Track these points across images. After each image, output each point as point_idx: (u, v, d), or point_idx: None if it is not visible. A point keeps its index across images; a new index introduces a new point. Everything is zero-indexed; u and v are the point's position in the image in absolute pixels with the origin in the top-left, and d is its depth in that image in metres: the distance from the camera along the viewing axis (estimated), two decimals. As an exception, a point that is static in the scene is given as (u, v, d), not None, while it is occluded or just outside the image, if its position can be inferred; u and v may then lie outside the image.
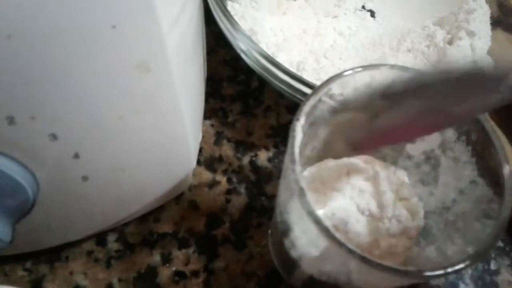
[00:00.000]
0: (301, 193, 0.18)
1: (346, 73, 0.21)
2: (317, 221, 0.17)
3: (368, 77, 0.20)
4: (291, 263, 0.26)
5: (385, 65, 0.20)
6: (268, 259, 0.30)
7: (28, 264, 0.28)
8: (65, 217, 0.24)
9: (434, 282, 0.30)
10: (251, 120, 0.35)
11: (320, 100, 0.21)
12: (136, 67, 0.19)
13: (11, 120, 0.18)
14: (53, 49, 0.16)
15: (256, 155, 0.33)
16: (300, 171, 0.18)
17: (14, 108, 0.17)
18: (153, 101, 0.21)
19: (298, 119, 0.19)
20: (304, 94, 0.29)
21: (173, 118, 0.23)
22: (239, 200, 0.32)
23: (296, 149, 0.19)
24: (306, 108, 0.20)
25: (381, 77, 0.20)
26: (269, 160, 0.33)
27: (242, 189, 0.32)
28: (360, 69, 0.20)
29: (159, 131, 0.23)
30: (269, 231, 0.30)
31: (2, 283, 0.28)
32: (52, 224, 0.25)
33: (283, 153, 0.34)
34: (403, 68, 0.20)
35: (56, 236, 0.27)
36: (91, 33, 0.17)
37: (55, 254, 0.28)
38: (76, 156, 0.20)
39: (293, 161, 0.18)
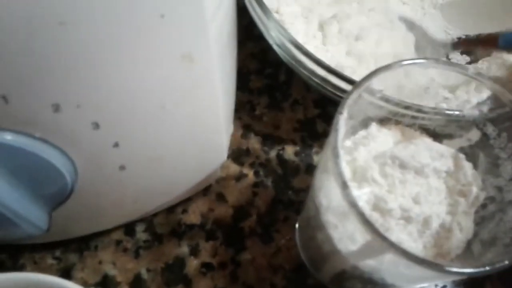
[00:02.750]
0: (345, 187, 0.18)
1: (389, 67, 0.20)
2: (360, 214, 0.17)
3: (412, 72, 0.20)
4: (321, 258, 0.26)
5: (429, 60, 0.20)
6: (294, 253, 0.30)
7: (58, 253, 0.28)
8: (98, 206, 0.24)
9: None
10: (278, 114, 0.35)
11: (360, 96, 0.20)
12: (180, 57, 0.19)
13: (56, 108, 0.18)
14: (103, 38, 0.16)
15: (283, 149, 0.33)
16: (343, 165, 0.18)
17: (61, 96, 0.17)
18: (194, 91, 0.21)
19: (341, 113, 0.19)
20: (336, 87, 0.29)
21: (210, 109, 0.23)
22: (266, 193, 0.32)
23: (339, 143, 0.19)
24: (349, 101, 0.19)
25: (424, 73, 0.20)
26: (296, 154, 0.33)
27: (269, 182, 0.32)
28: (405, 63, 0.20)
29: (197, 121, 0.23)
30: (297, 225, 0.30)
31: (32, 271, 0.28)
32: (85, 213, 0.25)
33: (310, 147, 0.34)
34: (448, 63, 0.20)
35: (87, 225, 0.27)
36: (140, 22, 0.17)
37: (84, 243, 0.29)
38: (116, 145, 0.20)
39: (336, 155, 0.18)
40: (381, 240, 0.17)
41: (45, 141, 0.19)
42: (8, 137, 0.18)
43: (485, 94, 0.22)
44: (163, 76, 0.19)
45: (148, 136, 0.21)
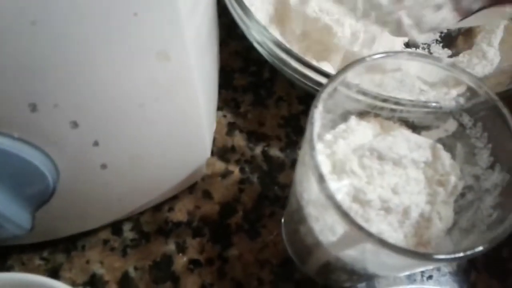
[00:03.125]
0: (321, 179, 0.18)
1: (363, 60, 0.21)
2: (337, 206, 0.17)
3: (387, 65, 0.20)
4: (306, 251, 0.26)
5: (402, 52, 0.20)
6: (281, 248, 0.30)
7: (45, 253, 0.29)
8: (83, 205, 0.25)
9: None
10: (263, 111, 0.35)
11: (335, 89, 0.21)
12: (156, 55, 0.19)
13: (33, 107, 0.18)
14: (76, 36, 0.16)
15: (268, 145, 0.33)
16: (319, 157, 0.18)
17: (37, 96, 0.18)
18: (172, 89, 0.21)
19: (316, 106, 0.19)
20: (318, 84, 0.29)
21: (190, 106, 0.23)
22: (252, 189, 0.32)
23: (315, 136, 0.19)
24: (324, 95, 0.20)
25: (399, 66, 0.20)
26: (281, 150, 0.33)
27: (254, 178, 0.32)
28: (378, 56, 0.20)
29: (177, 119, 0.23)
30: (283, 220, 0.30)
31: (20, 272, 0.28)
32: (70, 212, 0.25)
33: (295, 143, 0.34)
34: (422, 56, 0.20)
35: (73, 224, 0.27)
36: (113, 20, 0.17)
37: (71, 243, 0.29)
38: (96, 143, 0.21)
39: (312, 148, 0.19)
40: (359, 230, 0.18)
41: (24, 141, 0.19)
42: (-13, 138, 0.18)
43: (464, 86, 0.22)
44: (140, 74, 0.19)
45: (129, 134, 0.21)
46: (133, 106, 0.20)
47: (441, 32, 0.39)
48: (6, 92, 0.17)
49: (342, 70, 0.21)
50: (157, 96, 0.21)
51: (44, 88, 0.17)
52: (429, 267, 0.22)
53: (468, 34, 0.39)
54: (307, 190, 0.21)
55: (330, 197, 0.18)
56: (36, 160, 0.20)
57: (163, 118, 0.22)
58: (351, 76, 0.21)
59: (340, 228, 0.20)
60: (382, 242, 0.17)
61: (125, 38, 0.18)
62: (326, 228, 0.21)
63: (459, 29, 0.39)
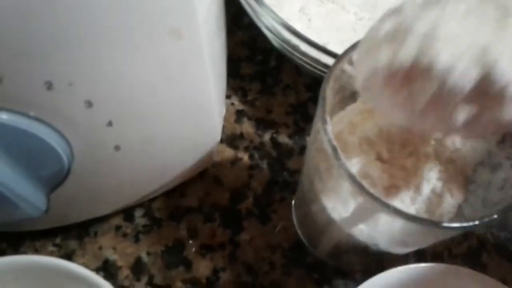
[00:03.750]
0: (335, 151, 0.18)
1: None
2: (352, 177, 0.18)
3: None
4: (318, 232, 0.26)
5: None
6: (292, 232, 0.30)
7: (58, 240, 0.29)
8: (96, 189, 0.25)
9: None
10: (270, 99, 0.35)
11: (343, 71, 0.21)
12: (168, 32, 0.19)
13: (49, 86, 0.18)
14: (91, 14, 0.17)
15: (276, 132, 0.34)
16: (331, 132, 0.18)
17: (53, 73, 0.18)
18: (184, 68, 0.21)
19: (327, 82, 0.20)
20: (327, 66, 0.30)
21: (201, 88, 0.23)
22: (262, 175, 0.32)
23: (327, 111, 0.19)
24: (335, 71, 0.20)
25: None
26: (290, 136, 0.34)
27: (264, 165, 0.32)
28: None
29: (189, 101, 0.23)
30: (293, 203, 0.30)
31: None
32: (83, 196, 0.25)
33: (303, 130, 0.34)
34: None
35: (86, 209, 0.27)
36: (126, -4, 0.17)
37: (84, 230, 0.29)
38: (110, 124, 0.21)
39: (324, 122, 0.19)
40: (373, 201, 0.18)
41: (39, 120, 0.19)
42: (3, 116, 0.18)
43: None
44: (152, 52, 0.19)
45: (141, 115, 0.22)
46: (146, 85, 0.20)
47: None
48: (23, 69, 0.17)
49: (352, 45, 0.21)
50: (169, 76, 0.21)
51: (59, 66, 0.18)
52: (442, 237, 0.22)
53: None
54: (318, 167, 0.21)
55: (345, 169, 0.18)
56: (51, 139, 0.20)
57: (175, 99, 0.22)
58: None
59: (353, 202, 0.20)
60: (396, 211, 0.17)
61: (139, 15, 0.18)
62: (338, 204, 0.21)
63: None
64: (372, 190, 0.18)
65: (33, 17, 0.16)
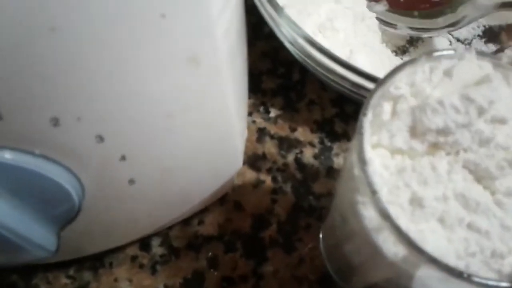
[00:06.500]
0: (375, 197, 0.16)
1: (414, 61, 0.19)
2: (395, 227, 0.15)
3: (443, 65, 0.18)
4: (350, 270, 0.24)
5: (469, 50, 0.18)
6: (319, 263, 0.28)
7: (72, 271, 0.27)
8: (110, 223, 0.23)
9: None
10: (294, 115, 0.33)
11: (387, 91, 0.19)
12: (186, 60, 0.17)
13: (56, 122, 0.16)
14: (99, 43, 0.15)
15: (301, 152, 0.31)
16: (372, 173, 0.16)
17: (59, 109, 0.16)
18: (202, 96, 0.19)
19: (365, 114, 0.17)
20: (354, 84, 0.27)
21: (221, 114, 0.21)
22: (286, 200, 0.30)
23: (366, 147, 0.17)
24: (373, 101, 0.18)
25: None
26: (315, 157, 0.31)
27: (288, 188, 0.30)
28: (432, 56, 0.18)
29: (207, 128, 0.21)
30: (321, 235, 0.28)
31: (46, 290, 0.27)
32: (96, 230, 0.23)
33: (330, 149, 0.32)
34: (491, 56, 0.18)
35: (100, 242, 0.25)
36: (139, 24, 0.15)
37: (98, 261, 0.27)
38: (123, 158, 0.19)
39: (363, 162, 0.16)
40: (419, 254, 0.16)
41: (46, 157, 0.17)
42: (6, 155, 0.17)
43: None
44: (167, 82, 0.17)
45: (157, 147, 0.20)
46: (162, 117, 0.19)
47: (484, 26, 0.37)
48: (26, 106, 0.15)
49: (392, 72, 0.18)
50: (186, 105, 0.19)
51: (66, 100, 0.16)
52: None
53: (511, 28, 0.36)
54: (357, 205, 0.19)
55: (386, 216, 0.16)
56: (59, 178, 0.18)
57: (193, 128, 0.20)
58: (403, 78, 0.19)
59: (399, 250, 0.18)
60: (449, 269, 0.15)
61: (152, 42, 0.16)
62: (375, 248, 0.19)
63: (500, 24, 0.36)
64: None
65: (34, 48, 0.14)
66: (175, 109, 0.19)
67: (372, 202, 0.16)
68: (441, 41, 0.36)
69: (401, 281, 0.20)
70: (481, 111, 0.17)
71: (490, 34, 0.37)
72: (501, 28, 0.37)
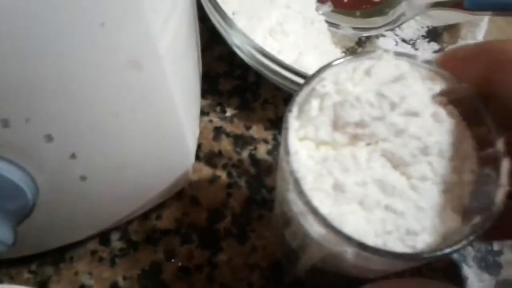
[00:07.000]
0: (296, 184, 0.18)
1: (338, 61, 0.21)
2: (314, 211, 0.17)
3: (364, 65, 0.20)
4: (293, 254, 0.26)
5: (387, 52, 0.20)
6: (271, 251, 0.30)
7: (34, 267, 0.28)
8: (67, 218, 0.25)
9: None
10: (250, 114, 0.35)
11: (313, 89, 0.21)
12: (127, 65, 0.19)
13: (5, 123, 0.18)
14: (42, 49, 0.16)
15: (255, 149, 0.33)
16: (295, 162, 0.18)
17: (8, 111, 0.17)
18: (148, 98, 0.21)
19: (290, 111, 0.19)
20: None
21: (168, 115, 0.23)
22: (240, 193, 0.32)
23: (290, 141, 0.19)
24: (299, 98, 0.20)
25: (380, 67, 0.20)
26: (269, 153, 0.33)
27: (242, 182, 0.32)
28: (353, 56, 0.20)
29: (156, 128, 0.23)
30: (271, 223, 0.30)
31: (9, 286, 0.28)
32: (54, 225, 0.25)
33: (282, 145, 0.34)
34: (408, 56, 0.20)
35: (59, 237, 0.27)
36: (79, 31, 0.17)
37: (59, 255, 0.29)
38: (73, 156, 0.20)
39: (287, 153, 0.18)
40: (335, 235, 0.18)
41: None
42: (-43, 155, 0.18)
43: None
44: (112, 84, 0.19)
45: (106, 145, 0.21)
46: (109, 116, 0.20)
47: (428, 27, 0.39)
48: (-25, 109, 0.17)
49: (317, 72, 0.20)
50: (133, 105, 0.21)
51: (14, 103, 0.17)
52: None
53: (453, 29, 0.39)
54: (286, 194, 0.21)
55: (307, 202, 0.18)
56: (12, 175, 0.19)
57: (141, 127, 0.22)
58: (329, 76, 0.21)
59: (320, 231, 0.20)
60: (362, 246, 0.17)
61: (93, 49, 0.17)
62: (305, 231, 0.21)
63: (444, 25, 0.39)
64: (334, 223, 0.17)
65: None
66: (121, 110, 0.20)
67: (295, 189, 0.18)
68: (388, 41, 0.39)
69: (335, 262, 0.22)
70: (393, 106, 0.19)
71: (434, 35, 0.39)
72: (444, 29, 0.39)
